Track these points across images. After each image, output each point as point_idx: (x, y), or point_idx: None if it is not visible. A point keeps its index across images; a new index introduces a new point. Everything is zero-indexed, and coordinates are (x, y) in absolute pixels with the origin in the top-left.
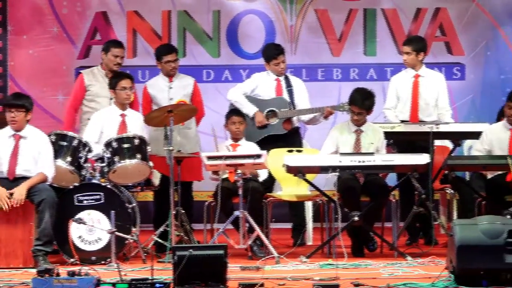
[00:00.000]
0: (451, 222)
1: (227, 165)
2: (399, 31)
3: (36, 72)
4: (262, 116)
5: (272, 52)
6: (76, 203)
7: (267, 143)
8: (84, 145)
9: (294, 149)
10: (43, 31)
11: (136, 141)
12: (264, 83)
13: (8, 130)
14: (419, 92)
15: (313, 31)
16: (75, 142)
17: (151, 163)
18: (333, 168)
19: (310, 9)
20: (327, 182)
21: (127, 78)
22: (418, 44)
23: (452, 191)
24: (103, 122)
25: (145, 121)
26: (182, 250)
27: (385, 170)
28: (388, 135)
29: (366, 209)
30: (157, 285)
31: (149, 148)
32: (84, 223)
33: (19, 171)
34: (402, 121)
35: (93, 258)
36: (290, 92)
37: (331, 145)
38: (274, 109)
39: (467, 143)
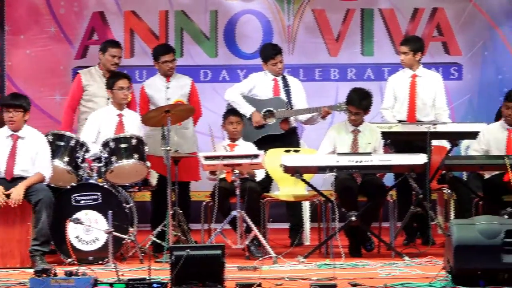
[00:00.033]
0: (448, 222)
1: (225, 165)
2: (396, 31)
3: (34, 72)
4: (260, 116)
5: (269, 52)
6: (74, 203)
7: (265, 143)
8: (81, 145)
9: (292, 149)
10: (41, 31)
11: (134, 141)
12: (261, 83)
13: (5, 130)
14: (417, 92)
15: (310, 31)
16: (72, 142)
17: (148, 163)
18: (330, 168)
19: (308, 9)
20: (325, 182)
21: (125, 78)
22: (416, 44)
23: (449, 191)
24: (101, 122)
25: (143, 121)
26: (180, 250)
27: (383, 170)
28: (385, 135)
29: (364, 209)
30: (155, 285)
31: (146, 148)
32: (81, 223)
33: (17, 171)
34: (400, 121)
35: (91, 258)
36: (288, 92)
37: (328, 145)
38: (271, 109)
39: (465, 143)
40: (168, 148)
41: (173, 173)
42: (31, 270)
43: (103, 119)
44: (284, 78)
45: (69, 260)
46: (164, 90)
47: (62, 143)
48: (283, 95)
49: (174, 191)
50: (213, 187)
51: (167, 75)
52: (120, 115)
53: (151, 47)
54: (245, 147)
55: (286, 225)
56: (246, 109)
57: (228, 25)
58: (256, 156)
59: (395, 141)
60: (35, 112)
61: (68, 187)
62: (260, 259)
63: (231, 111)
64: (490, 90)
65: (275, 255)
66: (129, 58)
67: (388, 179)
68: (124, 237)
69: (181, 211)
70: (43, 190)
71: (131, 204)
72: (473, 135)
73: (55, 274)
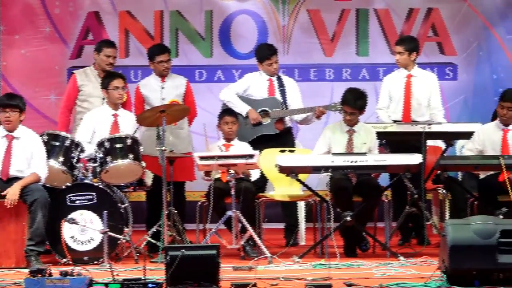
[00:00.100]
0: (443, 222)
1: (220, 165)
2: (391, 31)
3: (29, 72)
4: (256, 113)
5: (265, 53)
6: (69, 203)
7: (260, 143)
8: (76, 145)
9: (287, 149)
10: (35, 31)
11: (129, 141)
12: (256, 83)
13: (0, 131)
14: (412, 92)
15: (305, 31)
16: (67, 142)
17: (143, 163)
18: (325, 168)
19: (303, 9)
20: (320, 182)
21: (120, 78)
22: (411, 44)
23: (444, 191)
24: (96, 122)
25: (138, 121)
26: (175, 250)
27: (378, 170)
28: (380, 135)
29: (359, 209)
30: (150, 285)
31: (141, 148)
32: (76, 223)
33: (12, 171)
34: (395, 121)
35: (86, 258)
36: (283, 92)
37: (323, 145)
38: (266, 109)
39: (460, 143)
40: (163, 148)
41: (168, 173)
42: (26, 270)
43: (98, 119)
44: (279, 78)
45: (64, 260)
46: (159, 90)
47: (57, 143)
48: (278, 95)
49: (169, 191)
50: (208, 187)
51: (162, 75)
52: (115, 115)
53: (146, 47)
54: (240, 147)
55: (281, 225)
56: (242, 108)
57: (223, 25)
58: (251, 156)
59: (390, 141)
60: (30, 112)
61: (63, 187)
62: (255, 259)
63: (226, 111)
64: (485, 90)
65: (270, 255)
66: (124, 58)
67: (383, 179)
68: (119, 237)
69: (176, 211)
70: (39, 190)
71: (126, 204)
72: (468, 135)
73: (50, 274)
